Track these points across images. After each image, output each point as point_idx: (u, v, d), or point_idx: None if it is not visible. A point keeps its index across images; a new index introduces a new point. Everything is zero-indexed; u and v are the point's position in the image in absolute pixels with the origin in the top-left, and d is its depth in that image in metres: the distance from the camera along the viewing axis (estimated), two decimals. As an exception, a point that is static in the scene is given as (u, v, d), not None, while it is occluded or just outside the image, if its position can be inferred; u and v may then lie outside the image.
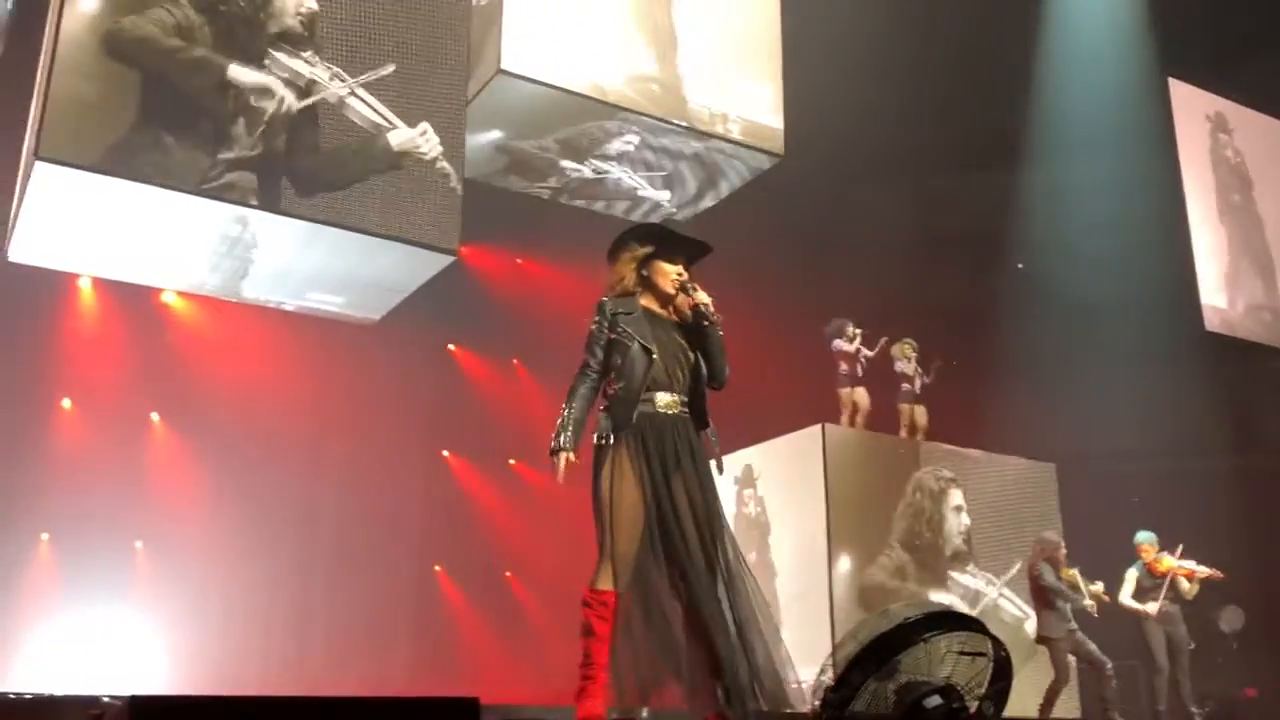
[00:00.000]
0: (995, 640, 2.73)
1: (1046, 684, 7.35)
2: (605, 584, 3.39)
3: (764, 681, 3.32)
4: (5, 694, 3.08)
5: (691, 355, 3.68)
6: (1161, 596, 7.69)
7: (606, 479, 3.49)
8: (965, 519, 9.03)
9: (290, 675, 8.70)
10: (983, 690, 2.75)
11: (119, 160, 6.44)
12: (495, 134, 8.54)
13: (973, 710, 2.70)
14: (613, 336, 3.63)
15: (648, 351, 3.63)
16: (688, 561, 3.42)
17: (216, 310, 9.11)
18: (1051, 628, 7.33)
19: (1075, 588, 7.42)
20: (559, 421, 3.59)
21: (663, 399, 3.59)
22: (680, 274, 3.72)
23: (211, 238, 7.52)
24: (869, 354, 9.36)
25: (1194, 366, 9.97)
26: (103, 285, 8.86)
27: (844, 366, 9.29)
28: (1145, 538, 7.94)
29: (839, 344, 9.34)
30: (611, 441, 3.51)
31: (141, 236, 7.44)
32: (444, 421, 10.58)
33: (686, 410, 3.63)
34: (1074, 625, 7.36)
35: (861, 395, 9.19)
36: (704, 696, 3.32)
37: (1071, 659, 7.50)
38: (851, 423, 9.17)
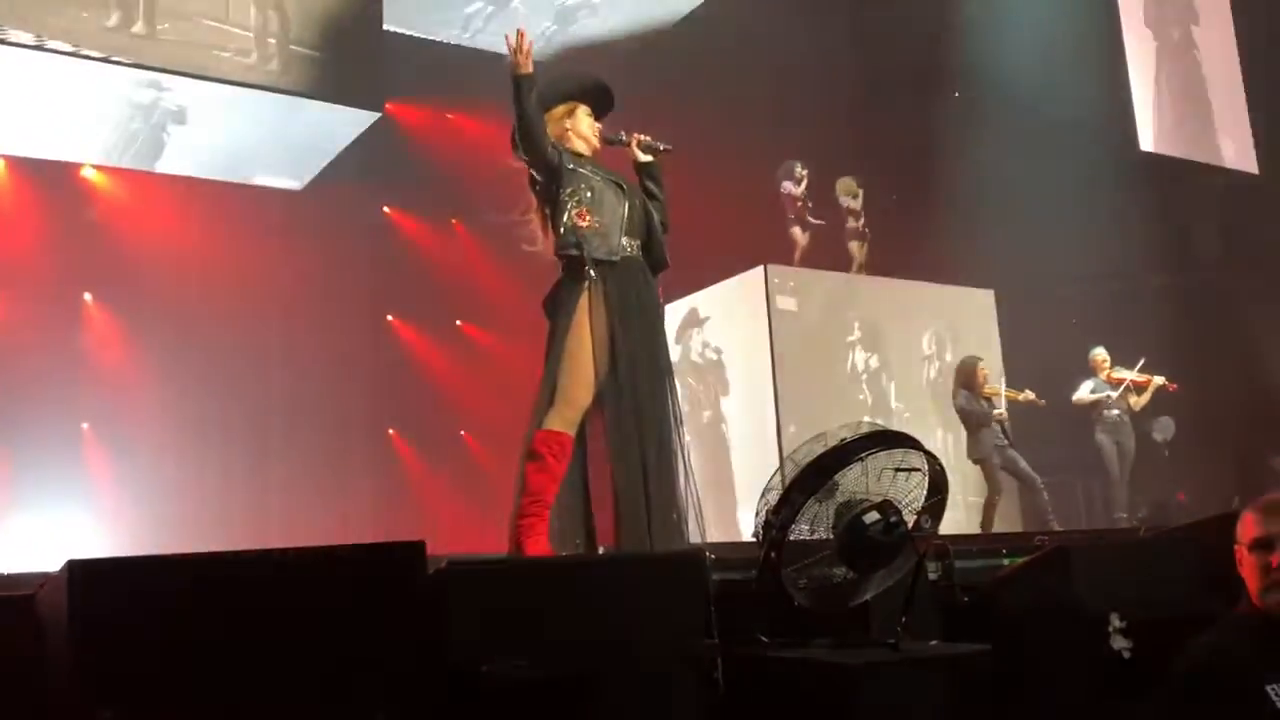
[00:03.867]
0: (930, 456, 2.79)
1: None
2: (559, 426, 3.38)
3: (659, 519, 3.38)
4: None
5: (639, 200, 3.64)
6: (1113, 405, 8.04)
7: (576, 324, 3.42)
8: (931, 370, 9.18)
9: (250, 543, 8.80)
10: (919, 505, 2.83)
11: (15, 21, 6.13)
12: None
13: (910, 524, 2.79)
14: (568, 167, 3.54)
15: (619, 186, 3.59)
16: (625, 407, 3.43)
17: (139, 184, 8.82)
18: (979, 449, 7.63)
19: (994, 399, 7.71)
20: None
21: (628, 242, 3.56)
22: (599, 125, 3.71)
23: (124, 107, 7.24)
24: (810, 203, 9.35)
25: (1130, 188, 10.05)
26: (16, 164, 8.52)
27: (792, 208, 9.28)
28: (1099, 352, 8.25)
29: (787, 186, 9.29)
30: (590, 279, 3.43)
31: (52, 109, 7.16)
32: (386, 286, 10.44)
33: (642, 254, 3.60)
34: (1003, 442, 7.64)
35: (796, 234, 9.22)
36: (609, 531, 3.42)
37: (1005, 475, 7.81)
38: (805, 262, 9.22)
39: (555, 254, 3.54)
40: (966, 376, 7.79)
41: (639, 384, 3.45)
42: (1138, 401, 8.21)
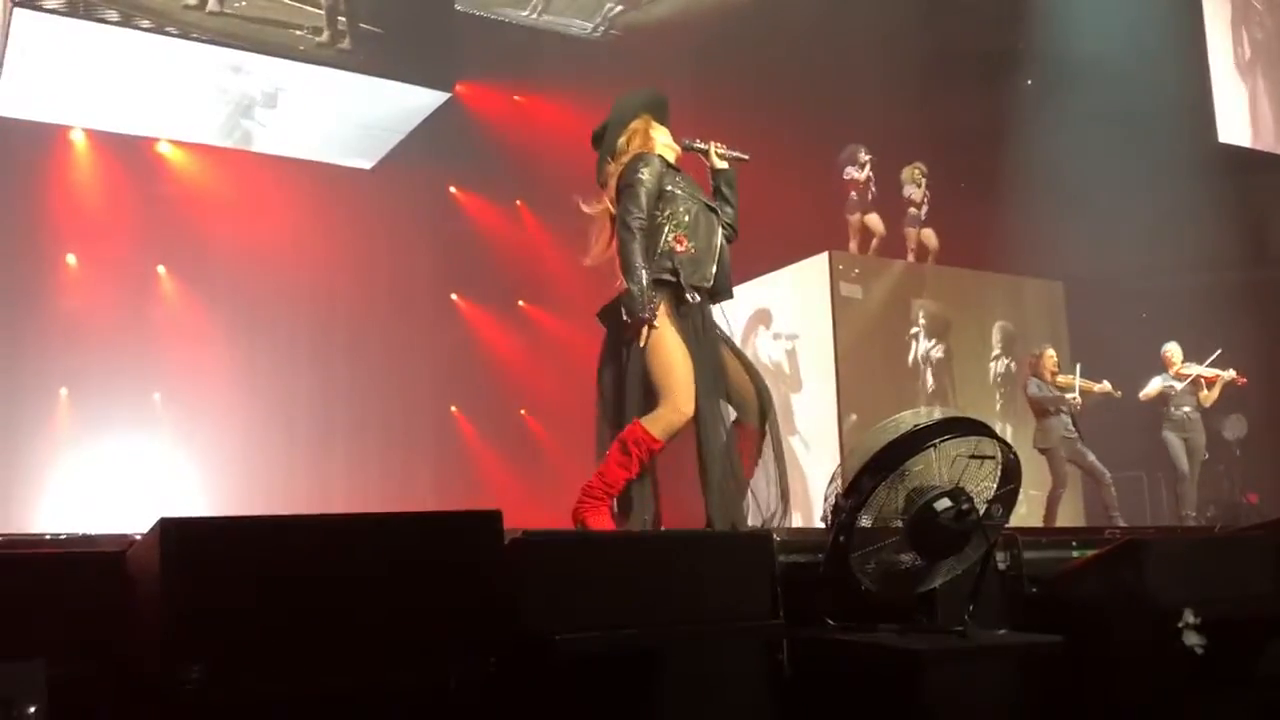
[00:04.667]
0: (1004, 444, 2.76)
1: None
2: (659, 433, 3.41)
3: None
4: (40, 534, 3.18)
5: (716, 219, 3.69)
6: (1183, 401, 7.87)
7: (664, 334, 3.45)
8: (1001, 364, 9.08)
9: (307, 510, 8.95)
10: (991, 493, 2.81)
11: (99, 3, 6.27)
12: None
13: (981, 513, 2.76)
14: (666, 189, 3.57)
15: (712, 210, 3.65)
16: (716, 401, 3.52)
17: (212, 158, 8.99)
18: (1047, 438, 7.53)
19: (1068, 389, 7.57)
20: (634, 287, 3.43)
21: (716, 270, 3.61)
22: (679, 139, 3.78)
23: (203, 84, 7.38)
24: (874, 189, 9.22)
25: (1206, 180, 9.80)
26: (96, 137, 8.72)
27: (854, 193, 9.16)
28: (1171, 348, 8.08)
29: (850, 171, 9.18)
30: (694, 301, 3.50)
31: (131, 85, 7.31)
32: (450, 265, 10.56)
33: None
34: (1073, 434, 7.52)
35: (874, 220, 9.08)
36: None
37: (1073, 468, 7.69)
38: (864, 249, 9.10)
39: (649, 276, 3.50)
40: (1036, 364, 7.71)
41: (729, 379, 3.58)
42: (1207, 397, 8.02)
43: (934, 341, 8.99)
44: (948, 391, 8.93)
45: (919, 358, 8.94)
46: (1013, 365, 9.02)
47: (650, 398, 3.47)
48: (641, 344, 3.44)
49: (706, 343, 3.57)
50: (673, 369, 3.45)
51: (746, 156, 3.84)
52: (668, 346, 3.46)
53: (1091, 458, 7.50)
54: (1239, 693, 2.57)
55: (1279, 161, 10.52)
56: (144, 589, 1.92)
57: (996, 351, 9.11)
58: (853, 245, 9.09)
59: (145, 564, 1.91)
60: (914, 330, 8.97)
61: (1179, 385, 7.97)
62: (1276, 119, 10.64)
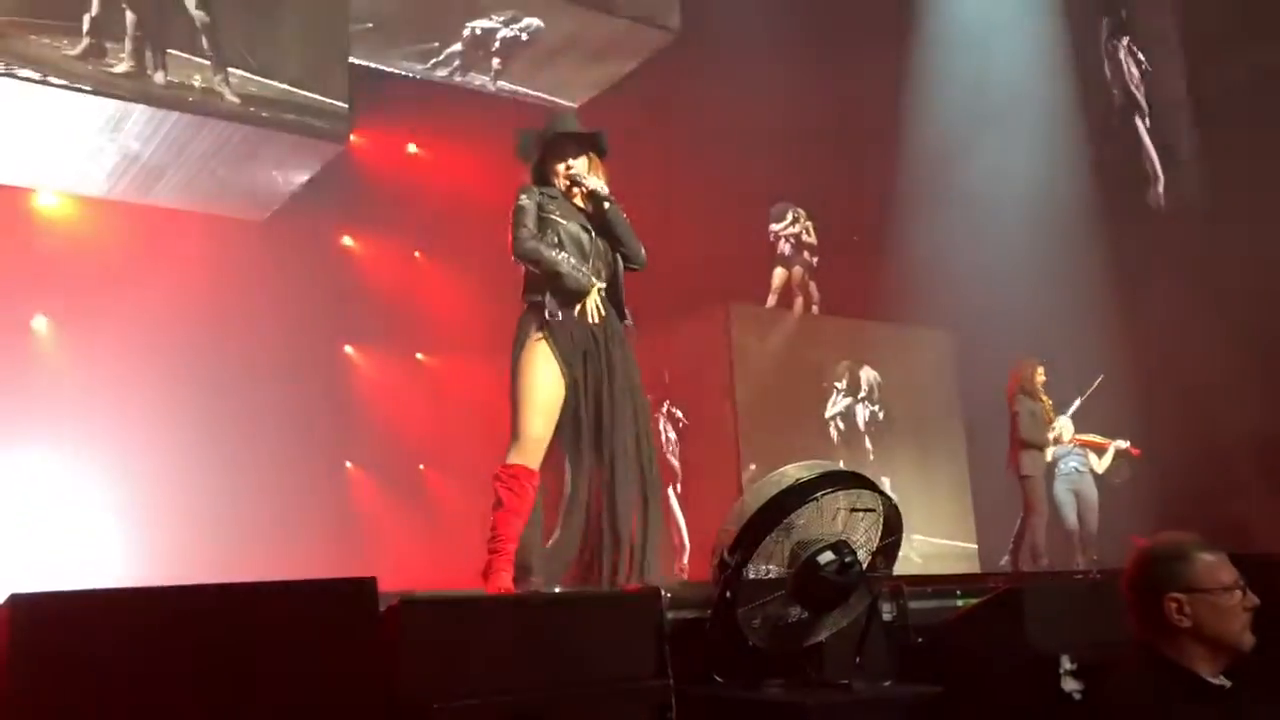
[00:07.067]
0: (885, 496, 2.82)
1: None
2: (516, 459, 3.41)
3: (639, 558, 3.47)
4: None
5: (605, 246, 3.70)
6: (1070, 460, 7.95)
7: (530, 359, 3.49)
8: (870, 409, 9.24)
9: (203, 577, 8.63)
10: (874, 545, 2.85)
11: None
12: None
13: (865, 564, 2.80)
14: (542, 215, 3.62)
15: (587, 230, 3.66)
16: (601, 448, 3.49)
17: (96, 210, 8.72)
18: (1034, 466, 7.35)
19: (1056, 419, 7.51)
20: (562, 272, 3.53)
21: (596, 280, 3.62)
22: (569, 167, 3.73)
23: (85, 135, 7.18)
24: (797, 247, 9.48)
25: (1093, 228, 10.14)
26: (-30, 188, 8.40)
27: (780, 248, 9.43)
28: (1062, 422, 7.93)
29: (773, 228, 9.47)
30: (558, 319, 3.50)
31: (8, 134, 7.08)
32: (345, 317, 10.37)
33: (606, 298, 3.64)
34: (1060, 470, 7.45)
35: (779, 275, 9.32)
36: (589, 570, 3.47)
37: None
38: (783, 302, 9.32)
39: (522, 297, 3.61)
40: (1024, 379, 7.45)
41: (602, 417, 3.51)
42: (1101, 464, 7.95)
43: (834, 392, 9.15)
44: (848, 441, 9.08)
45: (819, 408, 9.08)
46: (880, 411, 9.19)
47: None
48: (596, 317, 3.53)
49: (604, 377, 3.53)
50: (524, 392, 3.47)
51: (608, 199, 3.71)
52: (525, 368, 3.48)
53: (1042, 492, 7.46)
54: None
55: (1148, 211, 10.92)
56: (-8, 668, 1.82)
57: (862, 394, 9.26)
58: (771, 299, 9.27)
59: (-6, 641, 1.82)
60: (812, 380, 9.10)
61: (1070, 451, 7.90)
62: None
